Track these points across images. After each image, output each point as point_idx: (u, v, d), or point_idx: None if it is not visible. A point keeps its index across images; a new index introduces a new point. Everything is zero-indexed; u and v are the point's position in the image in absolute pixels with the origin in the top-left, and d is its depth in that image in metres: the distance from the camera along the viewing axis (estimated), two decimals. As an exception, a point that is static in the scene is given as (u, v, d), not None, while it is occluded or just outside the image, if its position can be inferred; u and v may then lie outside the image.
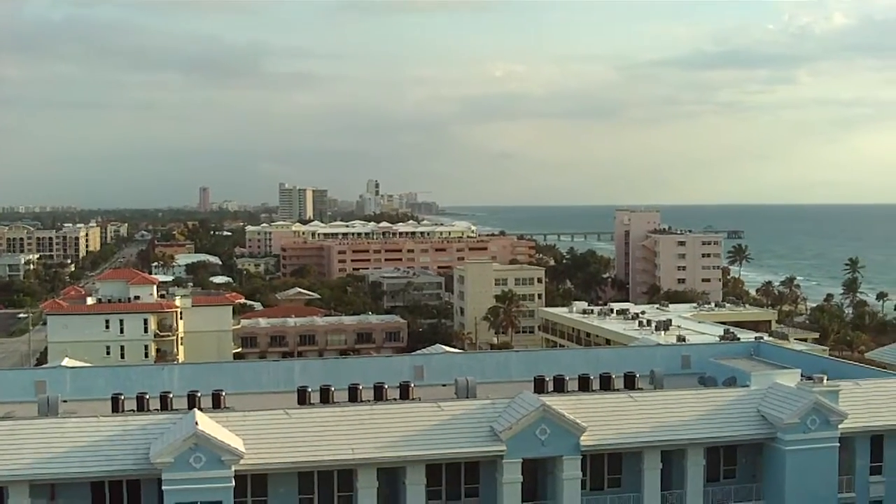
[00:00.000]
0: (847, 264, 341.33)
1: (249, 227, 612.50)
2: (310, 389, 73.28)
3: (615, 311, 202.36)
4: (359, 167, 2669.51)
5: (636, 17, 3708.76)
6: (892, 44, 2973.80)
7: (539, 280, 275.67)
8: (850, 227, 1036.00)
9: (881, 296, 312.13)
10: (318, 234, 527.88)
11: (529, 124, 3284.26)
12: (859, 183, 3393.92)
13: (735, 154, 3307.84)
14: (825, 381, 70.40)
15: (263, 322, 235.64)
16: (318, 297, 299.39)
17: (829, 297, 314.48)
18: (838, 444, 69.16)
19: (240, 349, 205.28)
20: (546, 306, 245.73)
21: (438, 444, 63.20)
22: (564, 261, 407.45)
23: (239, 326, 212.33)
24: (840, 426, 68.87)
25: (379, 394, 73.08)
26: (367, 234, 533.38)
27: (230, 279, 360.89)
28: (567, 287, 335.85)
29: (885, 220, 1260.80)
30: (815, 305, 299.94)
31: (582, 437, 64.55)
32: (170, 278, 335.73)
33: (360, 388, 73.32)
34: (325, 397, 72.39)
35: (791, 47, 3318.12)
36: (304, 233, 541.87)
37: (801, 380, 72.96)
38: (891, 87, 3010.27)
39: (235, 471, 58.88)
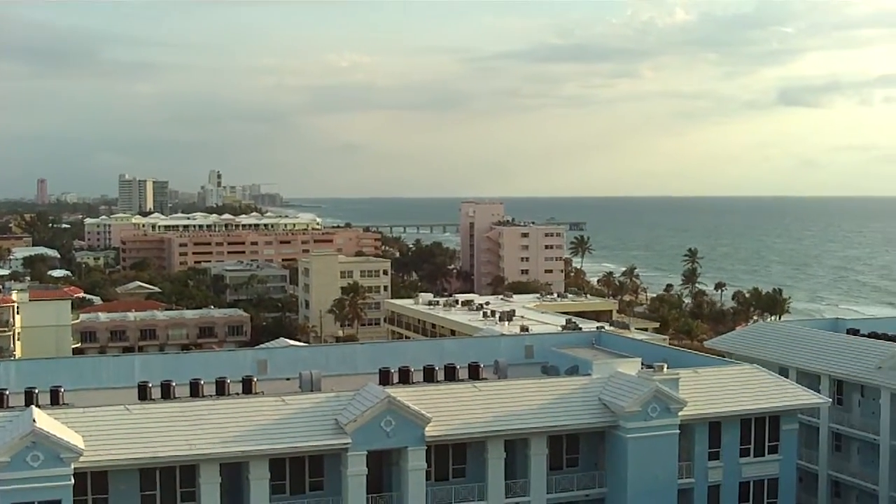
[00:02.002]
0: (686, 255, 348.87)
1: (88, 220, 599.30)
2: (151, 385, 72.24)
3: (460, 303, 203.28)
4: (201, 158, 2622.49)
5: (481, 9, 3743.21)
6: (731, 39, 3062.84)
7: (385, 272, 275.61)
8: (688, 219, 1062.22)
9: (719, 286, 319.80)
10: (159, 227, 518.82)
11: (376, 115, 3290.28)
12: (698, 175, 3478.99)
13: (578, 147, 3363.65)
14: (665, 369, 71.73)
15: (103, 316, 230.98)
16: (160, 290, 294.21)
17: (669, 286, 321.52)
18: (678, 431, 70.64)
19: (79, 344, 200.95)
20: (392, 298, 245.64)
21: (282, 438, 62.72)
22: (410, 252, 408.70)
23: (78, 321, 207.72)
24: (680, 413, 70.34)
25: (221, 389, 72.47)
26: (209, 226, 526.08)
27: (69, 273, 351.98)
28: (413, 279, 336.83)
29: (723, 210, 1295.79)
30: (654, 295, 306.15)
31: (427, 428, 64.71)
32: (6, 272, 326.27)
33: (202, 382, 72.65)
34: (167, 392, 71.40)
35: (634, 41, 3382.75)
36: (144, 225, 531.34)
37: (642, 368, 74.30)
38: (729, 80, 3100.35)
39: (75, 468, 57.68)
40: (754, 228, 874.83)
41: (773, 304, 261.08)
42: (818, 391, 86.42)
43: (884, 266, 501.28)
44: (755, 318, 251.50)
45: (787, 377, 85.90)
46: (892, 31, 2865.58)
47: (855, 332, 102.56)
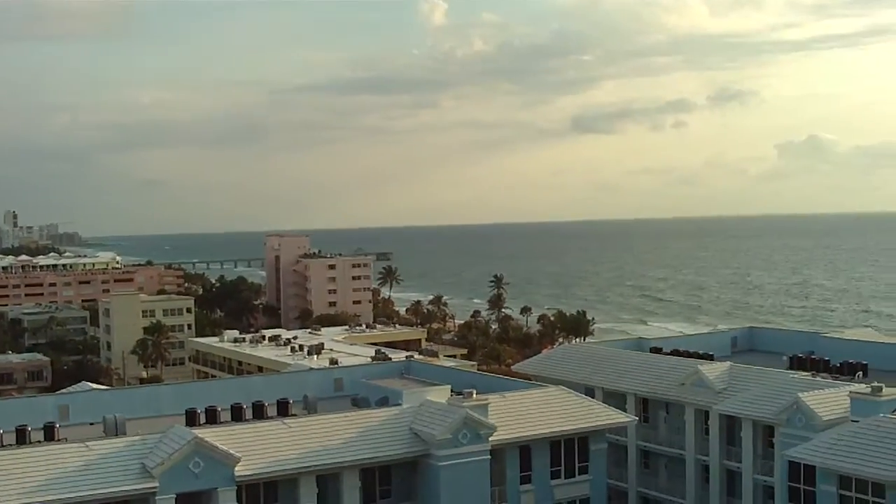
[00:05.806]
0: (492, 281, 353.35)
1: None
2: (-54, 437, 69.23)
3: (267, 338, 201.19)
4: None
5: (282, 43, 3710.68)
6: (528, 69, 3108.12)
7: (188, 310, 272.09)
8: (488, 246, 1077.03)
9: (525, 310, 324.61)
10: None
11: (177, 151, 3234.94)
12: (500, 202, 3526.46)
13: (380, 178, 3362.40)
14: (474, 395, 72.01)
15: None
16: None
17: (476, 313, 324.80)
18: (489, 457, 70.93)
19: None
20: (196, 336, 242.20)
21: (87, 485, 60.61)
22: (214, 289, 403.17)
23: None
24: (490, 438, 70.68)
25: (22, 437, 70.09)
26: (4, 268, 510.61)
27: None
28: (218, 316, 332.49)
29: (521, 236, 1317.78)
30: (462, 322, 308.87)
31: (236, 468, 63.56)
32: None
33: (2, 432, 70.02)
34: (-37, 444, 68.54)
35: (434, 72, 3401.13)
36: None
37: (452, 395, 74.58)
38: (527, 109, 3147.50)
39: None
40: (534, 253, 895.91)
41: (577, 325, 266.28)
42: (625, 410, 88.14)
43: (644, 286, 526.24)
44: (560, 340, 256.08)
45: (593, 397, 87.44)
46: (683, 57, 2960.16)
47: (657, 350, 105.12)
